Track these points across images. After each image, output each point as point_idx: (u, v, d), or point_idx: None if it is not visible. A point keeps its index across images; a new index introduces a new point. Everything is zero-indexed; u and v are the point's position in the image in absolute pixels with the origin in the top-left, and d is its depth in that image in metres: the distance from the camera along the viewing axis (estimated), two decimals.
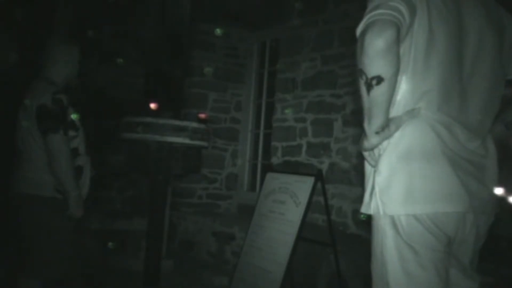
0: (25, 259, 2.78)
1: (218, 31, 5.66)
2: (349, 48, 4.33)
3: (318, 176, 3.39)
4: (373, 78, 1.39)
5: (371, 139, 1.51)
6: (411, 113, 1.50)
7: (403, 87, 1.51)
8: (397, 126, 1.50)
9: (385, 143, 1.53)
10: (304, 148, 4.77)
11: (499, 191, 1.87)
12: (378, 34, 1.34)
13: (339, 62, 4.43)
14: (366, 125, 1.50)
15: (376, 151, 1.57)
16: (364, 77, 1.40)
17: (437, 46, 1.49)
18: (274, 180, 3.71)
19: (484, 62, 1.60)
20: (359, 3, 4.54)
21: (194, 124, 3.48)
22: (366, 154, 1.60)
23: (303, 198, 3.37)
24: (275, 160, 5.08)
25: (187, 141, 3.32)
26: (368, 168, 1.65)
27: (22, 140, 2.78)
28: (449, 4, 1.53)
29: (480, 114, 1.61)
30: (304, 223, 3.29)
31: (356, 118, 4.22)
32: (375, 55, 1.35)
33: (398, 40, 1.37)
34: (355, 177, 4.17)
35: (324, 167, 4.46)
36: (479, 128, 1.64)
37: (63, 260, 2.80)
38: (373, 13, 1.38)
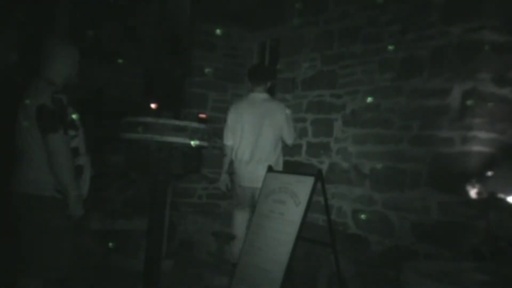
0: (25, 259, 2.78)
1: (218, 31, 5.67)
2: (349, 48, 4.34)
3: (318, 176, 3.39)
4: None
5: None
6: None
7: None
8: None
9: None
10: (304, 148, 4.77)
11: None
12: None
13: (339, 62, 4.43)
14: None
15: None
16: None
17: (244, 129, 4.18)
18: (274, 180, 3.71)
19: (267, 129, 4.12)
20: (359, 3, 4.56)
21: (194, 124, 3.48)
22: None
23: (303, 198, 3.36)
24: None
25: (187, 141, 3.32)
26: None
27: (22, 140, 2.78)
28: (248, 109, 4.16)
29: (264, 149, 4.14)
30: (304, 223, 3.29)
31: (356, 118, 4.22)
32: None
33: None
34: (355, 177, 4.17)
35: (324, 167, 4.46)
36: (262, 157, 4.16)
37: (63, 260, 2.80)
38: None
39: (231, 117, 4.25)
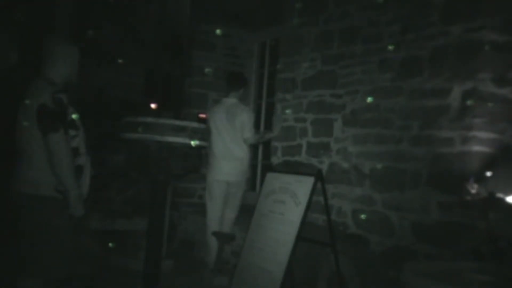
0: (25, 259, 2.78)
1: (218, 31, 5.67)
2: (349, 48, 4.34)
3: (318, 176, 3.39)
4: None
5: None
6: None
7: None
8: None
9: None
10: (304, 148, 4.77)
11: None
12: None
13: (339, 62, 4.43)
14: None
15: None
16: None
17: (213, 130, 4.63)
18: (274, 180, 3.71)
19: (234, 129, 4.61)
20: (359, 3, 4.55)
21: (194, 124, 3.48)
22: None
23: (303, 198, 3.36)
24: (275, 160, 5.08)
25: (187, 141, 3.32)
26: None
27: (22, 140, 2.78)
28: (221, 112, 4.66)
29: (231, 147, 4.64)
30: (304, 223, 3.29)
31: (356, 118, 4.22)
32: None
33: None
34: (355, 177, 4.17)
35: (324, 167, 4.46)
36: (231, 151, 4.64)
37: (63, 260, 2.80)
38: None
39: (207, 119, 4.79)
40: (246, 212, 4.49)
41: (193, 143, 3.18)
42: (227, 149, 4.63)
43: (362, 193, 4.09)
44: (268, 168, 4.34)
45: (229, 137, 4.63)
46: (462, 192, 3.35)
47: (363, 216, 4.00)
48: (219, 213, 4.73)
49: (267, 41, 5.93)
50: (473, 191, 3.31)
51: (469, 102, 3.34)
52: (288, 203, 3.47)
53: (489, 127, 3.36)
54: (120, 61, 5.30)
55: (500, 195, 3.19)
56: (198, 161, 3.87)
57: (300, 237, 3.27)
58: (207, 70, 5.85)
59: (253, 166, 5.96)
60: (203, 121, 4.86)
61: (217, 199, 4.72)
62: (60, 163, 2.67)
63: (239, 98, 4.83)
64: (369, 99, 4.02)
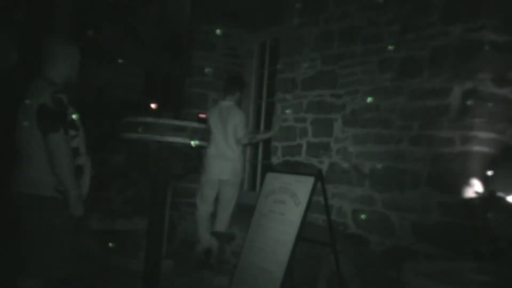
0: (25, 259, 2.78)
1: (218, 31, 5.67)
2: (349, 48, 4.34)
3: (318, 176, 3.39)
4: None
5: None
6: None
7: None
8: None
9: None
10: (304, 148, 4.77)
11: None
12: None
13: (339, 62, 4.43)
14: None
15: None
16: None
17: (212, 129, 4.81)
18: (274, 180, 3.71)
19: (226, 131, 4.86)
20: (359, 3, 4.54)
21: (194, 124, 3.49)
22: None
23: (303, 198, 3.36)
24: (275, 160, 5.08)
25: (187, 141, 3.33)
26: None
27: (22, 140, 2.78)
28: (216, 114, 4.93)
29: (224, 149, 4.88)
30: (304, 223, 3.29)
31: (356, 118, 4.22)
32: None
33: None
34: (355, 177, 4.17)
35: (324, 167, 4.46)
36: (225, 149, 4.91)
37: (63, 260, 2.80)
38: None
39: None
40: (246, 212, 4.48)
41: (193, 143, 3.18)
42: (219, 151, 4.86)
43: (362, 193, 4.09)
44: (268, 168, 4.34)
45: (222, 140, 4.87)
46: (462, 192, 3.36)
47: (363, 216, 4.00)
48: (209, 209, 5.02)
49: (267, 41, 5.92)
50: (473, 191, 3.31)
51: (469, 102, 3.34)
52: (288, 203, 3.47)
53: (489, 127, 3.36)
54: (120, 61, 5.30)
55: (500, 194, 3.19)
56: (198, 161, 3.89)
57: (300, 237, 3.27)
58: (207, 70, 5.85)
59: (253, 166, 5.96)
60: (203, 121, 4.88)
61: (208, 199, 5.00)
62: (60, 163, 2.67)
63: (236, 101, 5.00)
64: (369, 99, 4.02)
